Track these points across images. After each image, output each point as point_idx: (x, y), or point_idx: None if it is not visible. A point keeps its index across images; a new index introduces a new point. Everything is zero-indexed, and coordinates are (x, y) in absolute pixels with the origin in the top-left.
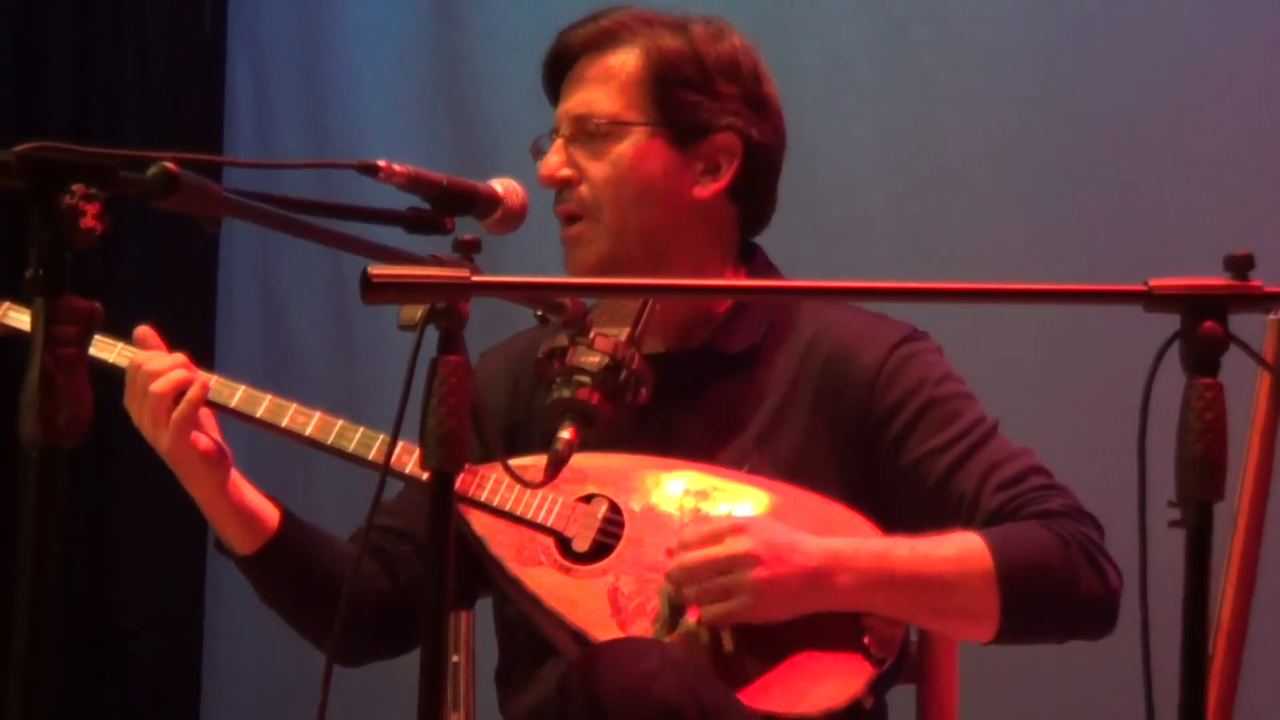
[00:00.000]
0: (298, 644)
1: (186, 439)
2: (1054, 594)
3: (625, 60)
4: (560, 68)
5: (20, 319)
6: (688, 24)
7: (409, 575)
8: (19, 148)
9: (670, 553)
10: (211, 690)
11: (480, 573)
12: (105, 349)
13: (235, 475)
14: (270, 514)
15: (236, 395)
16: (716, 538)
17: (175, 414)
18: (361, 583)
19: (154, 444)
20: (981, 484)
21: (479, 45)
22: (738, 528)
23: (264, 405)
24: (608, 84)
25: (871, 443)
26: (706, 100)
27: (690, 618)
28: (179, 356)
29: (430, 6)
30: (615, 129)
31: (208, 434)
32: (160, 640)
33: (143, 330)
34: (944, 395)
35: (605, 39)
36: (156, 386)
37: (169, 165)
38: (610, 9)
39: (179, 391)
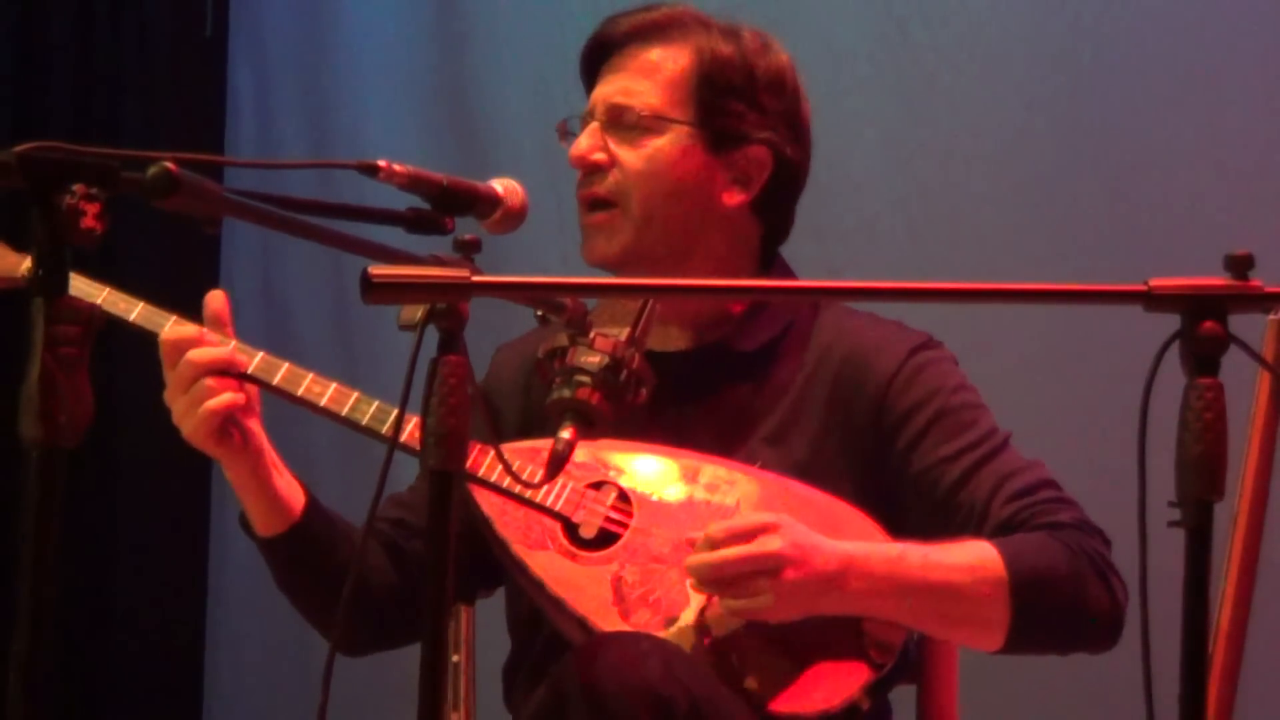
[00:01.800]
0: (299, 644)
1: (212, 432)
2: (1063, 606)
3: (676, 57)
4: (602, 53)
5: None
6: (740, 32)
7: (419, 570)
8: (19, 148)
9: (690, 544)
10: (213, 690)
11: (482, 570)
12: (126, 307)
13: (268, 458)
14: (296, 500)
15: (254, 361)
16: (749, 535)
17: (205, 408)
18: (371, 575)
19: (177, 423)
20: (992, 494)
21: (480, 46)
22: (770, 526)
23: (281, 372)
24: (653, 77)
25: (883, 448)
26: (750, 111)
27: (703, 645)
28: (229, 348)
29: (431, 7)
30: (656, 123)
31: (242, 422)
32: (162, 640)
33: (215, 299)
34: (958, 404)
35: (655, 31)
36: (209, 382)
37: (169, 165)
38: (660, 2)
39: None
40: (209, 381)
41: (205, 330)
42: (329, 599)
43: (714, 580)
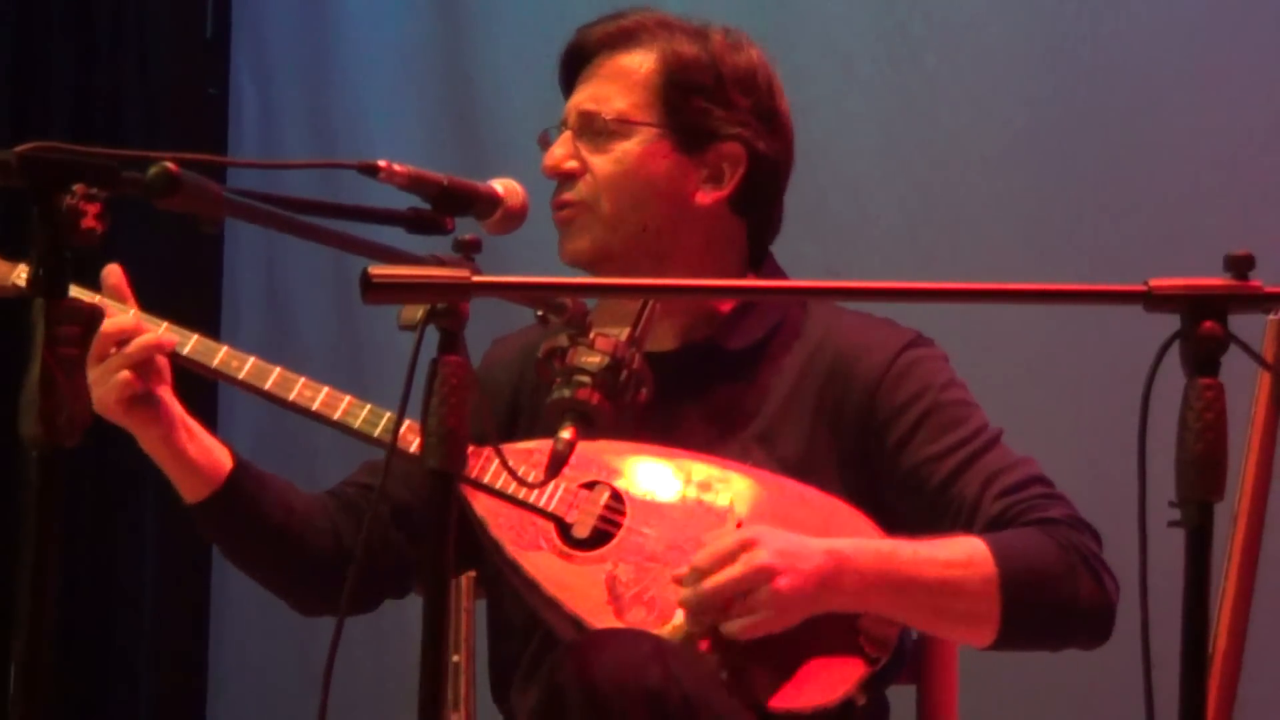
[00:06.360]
0: (300, 645)
1: (122, 399)
2: (1054, 601)
3: (641, 61)
4: (576, 62)
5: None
6: (708, 32)
7: (378, 536)
8: (19, 148)
9: (680, 549)
10: (215, 690)
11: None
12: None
13: (184, 426)
14: (220, 465)
15: (246, 367)
16: (731, 556)
17: (111, 363)
18: (328, 537)
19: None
20: (983, 490)
21: (482, 46)
22: (749, 542)
23: (272, 378)
24: (620, 82)
25: (873, 446)
26: (717, 109)
27: (700, 647)
28: (132, 316)
29: (433, 7)
30: (622, 127)
31: (147, 386)
32: (164, 640)
33: (113, 273)
34: (948, 401)
35: (623, 38)
36: (118, 351)
37: (169, 165)
38: (632, 9)
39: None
40: (119, 351)
41: (105, 300)
42: (265, 561)
43: (708, 610)
